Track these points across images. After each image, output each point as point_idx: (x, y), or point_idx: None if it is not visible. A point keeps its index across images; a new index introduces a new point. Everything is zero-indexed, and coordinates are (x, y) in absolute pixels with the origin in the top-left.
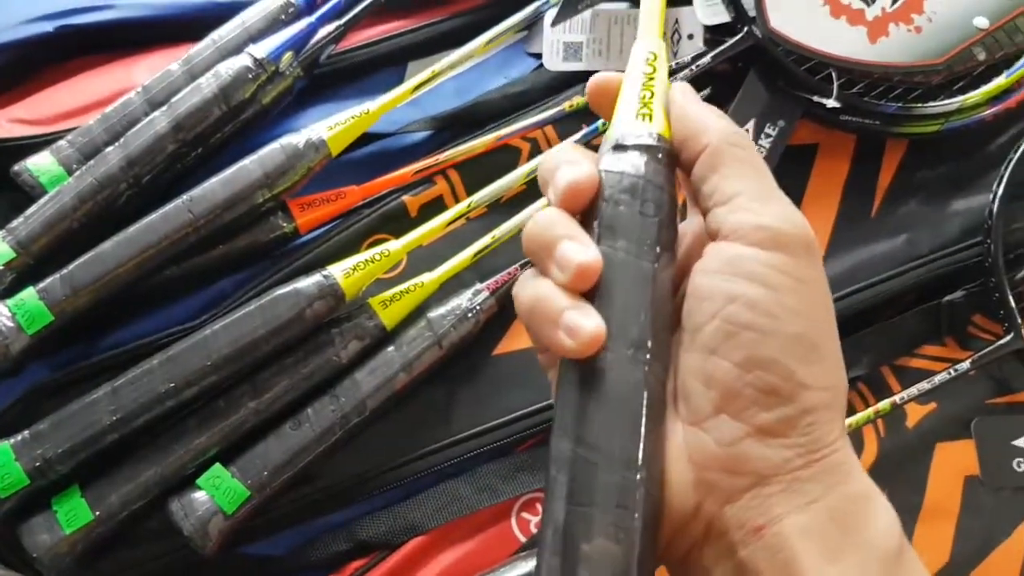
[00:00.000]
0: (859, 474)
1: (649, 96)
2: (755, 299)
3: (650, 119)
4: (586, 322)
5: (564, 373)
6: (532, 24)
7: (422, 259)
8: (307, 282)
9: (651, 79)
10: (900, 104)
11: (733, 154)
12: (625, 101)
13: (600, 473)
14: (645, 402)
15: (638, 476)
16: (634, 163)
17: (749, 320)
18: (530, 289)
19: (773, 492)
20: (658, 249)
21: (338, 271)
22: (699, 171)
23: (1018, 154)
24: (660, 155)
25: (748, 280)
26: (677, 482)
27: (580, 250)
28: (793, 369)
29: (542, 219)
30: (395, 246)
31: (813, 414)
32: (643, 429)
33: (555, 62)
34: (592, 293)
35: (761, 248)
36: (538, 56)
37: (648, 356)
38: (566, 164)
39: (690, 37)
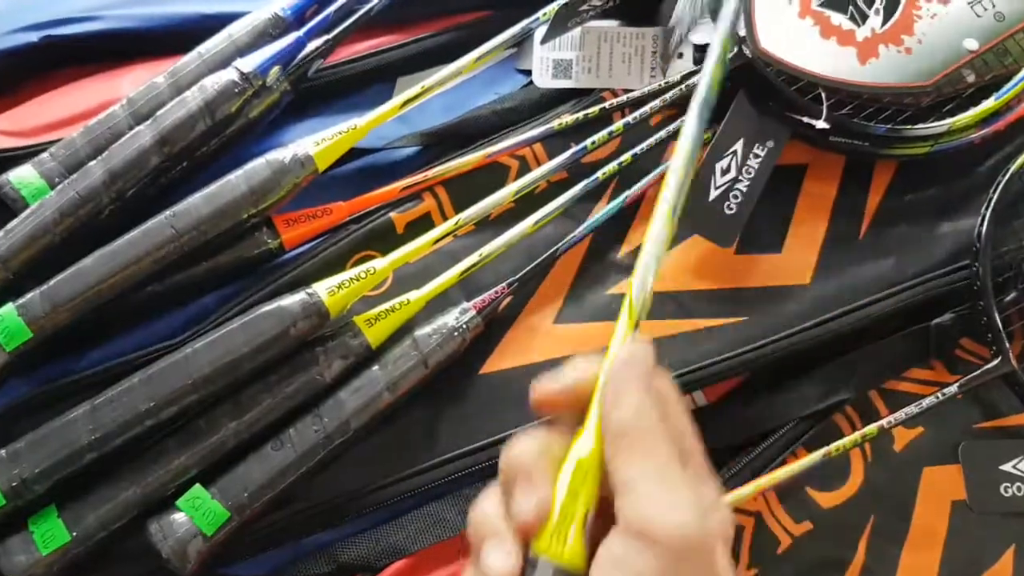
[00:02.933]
0: None
1: (568, 510)
2: None
3: (564, 541)
4: None
5: None
6: (522, 41)
7: (408, 276)
8: (291, 300)
9: (577, 493)
10: (889, 126)
11: (629, 436)
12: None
13: None
14: None
15: None
16: None
17: None
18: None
19: None
20: None
21: (323, 289)
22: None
23: (1006, 177)
24: None
25: None
26: None
27: None
28: None
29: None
30: (381, 264)
31: None
32: None
33: (545, 79)
34: None
35: (644, 547)
36: (528, 73)
37: None
38: (494, 544)
39: (680, 56)
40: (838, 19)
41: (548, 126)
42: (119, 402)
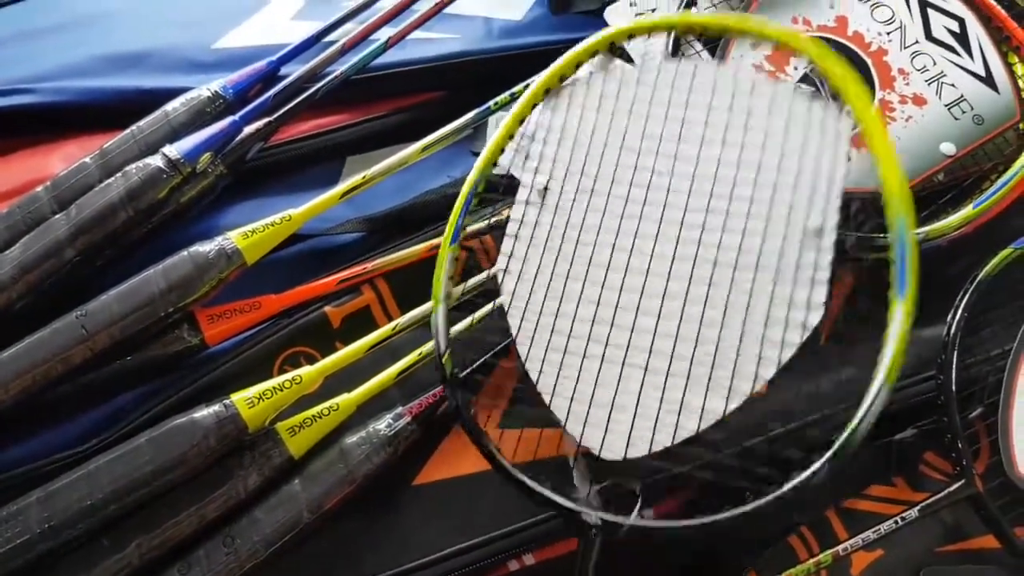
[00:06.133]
0: None
1: None
2: None
3: None
4: None
5: None
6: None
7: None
8: (204, 412)
9: None
10: (859, 234)
11: None
12: None
13: None
14: None
15: None
16: None
17: None
18: None
19: None
20: None
21: (241, 400)
22: None
23: (974, 284)
24: None
25: None
26: None
27: None
28: None
29: None
30: (309, 371)
31: None
32: None
33: (499, 166)
34: None
35: None
36: None
37: None
38: None
39: None
40: None
41: (497, 218)
42: (14, 521)
